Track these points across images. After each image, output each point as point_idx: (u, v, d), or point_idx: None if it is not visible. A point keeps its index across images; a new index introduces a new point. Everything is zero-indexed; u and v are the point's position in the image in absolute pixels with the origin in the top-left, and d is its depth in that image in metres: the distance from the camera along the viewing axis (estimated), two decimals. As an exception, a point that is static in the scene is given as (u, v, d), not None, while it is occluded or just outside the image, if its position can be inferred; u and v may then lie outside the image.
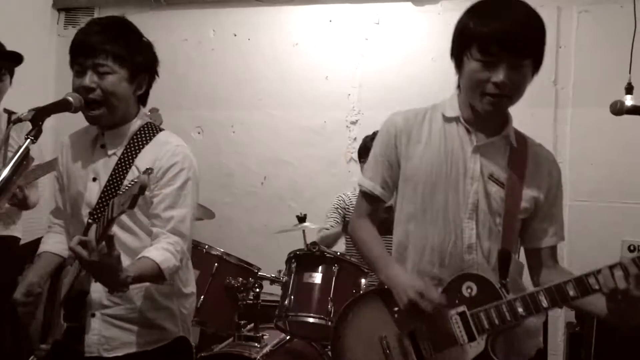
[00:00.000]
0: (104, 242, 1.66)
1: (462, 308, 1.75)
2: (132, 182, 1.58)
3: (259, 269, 3.30)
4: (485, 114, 1.77)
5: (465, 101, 1.83)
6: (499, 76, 1.69)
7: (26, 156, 1.82)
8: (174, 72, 4.62)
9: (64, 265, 2.08)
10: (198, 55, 4.80)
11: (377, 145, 1.94)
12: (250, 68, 4.74)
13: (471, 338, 1.73)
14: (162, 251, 1.88)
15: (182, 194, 1.97)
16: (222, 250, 3.22)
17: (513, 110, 1.86)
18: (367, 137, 3.61)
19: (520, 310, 1.68)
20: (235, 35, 4.79)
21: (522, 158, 1.84)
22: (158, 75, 2.10)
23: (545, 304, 1.66)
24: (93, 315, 1.96)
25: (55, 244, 2.13)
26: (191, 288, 2.15)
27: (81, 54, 1.95)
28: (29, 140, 1.79)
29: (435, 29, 4.27)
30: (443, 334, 1.75)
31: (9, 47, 3.10)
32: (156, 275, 1.85)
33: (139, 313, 1.99)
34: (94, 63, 1.92)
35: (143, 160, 1.97)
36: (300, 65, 4.68)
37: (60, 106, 1.90)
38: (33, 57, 4.66)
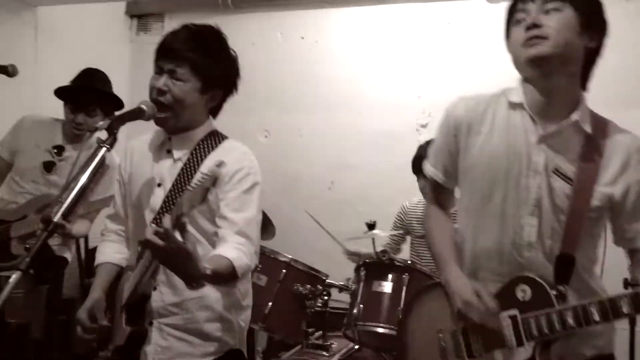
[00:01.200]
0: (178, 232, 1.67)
1: (514, 312, 1.72)
2: (204, 177, 1.59)
3: (326, 276, 3.30)
4: (533, 68, 1.71)
5: (528, 86, 1.77)
6: (530, 19, 1.71)
7: (102, 164, 1.87)
8: (243, 75, 4.66)
9: (122, 274, 2.11)
10: (265, 59, 4.83)
11: (439, 132, 1.94)
12: (318, 71, 4.75)
13: (519, 343, 1.71)
14: (233, 249, 1.87)
15: (248, 198, 1.98)
16: (290, 256, 3.22)
17: (609, 112, 1.76)
18: (421, 146, 3.56)
19: (570, 321, 1.63)
20: (302, 38, 4.81)
21: (597, 148, 1.71)
22: (237, 90, 2.11)
23: (596, 317, 1.60)
24: (151, 323, 1.98)
25: (114, 254, 2.15)
26: (248, 301, 2.15)
27: (163, 56, 2.00)
28: (104, 148, 1.83)
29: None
30: (494, 334, 1.74)
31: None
32: (230, 273, 1.84)
33: (197, 324, 1.99)
34: (171, 68, 1.97)
35: (208, 166, 1.96)
36: (369, 67, 4.65)
37: (134, 114, 1.94)
38: (107, 63, 4.85)
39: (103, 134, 1.85)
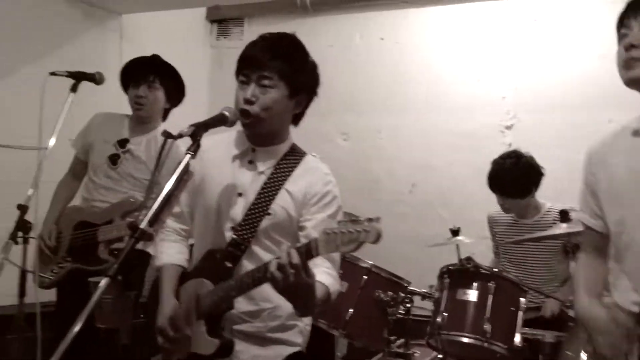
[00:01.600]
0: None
1: None
2: (362, 228, 1.52)
3: (409, 283, 3.24)
4: (633, 89, 1.67)
5: None
6: (629, 38, 1.69)
7: (187, 171, 1.88)
8: (321, 77, 4.66)
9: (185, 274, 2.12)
10: (344, 61, 4.83)
11: (583, 173, 1.93)
12: (397, 72, 4.70)
13: None
14: (326, 275, 1.89)
15: (334, 222, 1.91)
16: (371, 262, 3.20)
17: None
18: (495, 161, 3.51)
19: None
20: (382, 39, 4.77)
21: None
22: (317, 96, 2.10)
23: None
24: (223, 328, 1.99)
25: (177, 254, 2.15)
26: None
27: (248, 66, 2.00)
28: (188, 155, 1.85)
29: (604, 21, 3.96)
30: None
31: (166, 59, 3.26)
32: (325, 300, 1.87)
33: (269, 331, 2.02)
34: (258, 75, 1.97)
35: (295, 184, 2.01)
36: (450, 67, 4.56)
37: (217, 121, 1.95)
38: (188, 68, 4.95)
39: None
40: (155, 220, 1.77)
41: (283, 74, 1.96)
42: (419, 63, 4.65)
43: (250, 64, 1.99)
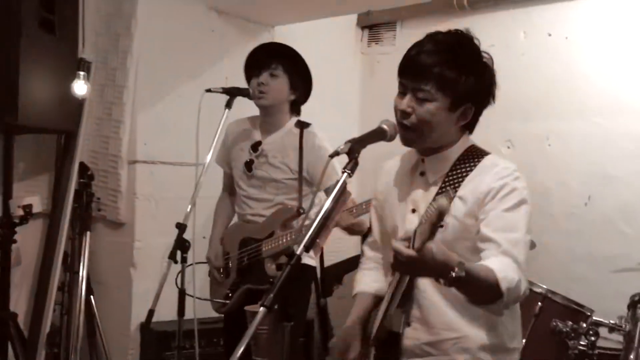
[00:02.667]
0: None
1: None
2: (432, 208, 1.49)
3: (592, 312, 2.94)
4: None
5: None
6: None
7: (344, 191, 1.79)
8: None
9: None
10: (507, 61, 4.43)
11: None
12: (568, 71, 4.33)
13: None
14: (497, 262, 1.71)
15: (513, 217, 1.80)
16: (545, 287, 2.99)
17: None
18: None
19: None
20: (549, 35, 4.44)
21: None
22: (494, 101, 1.96)
23: None
24: None
25: (372, 282, 2.10)
26: (517, 343, 1.96)
27: (406, 74, 1.89)
28: (345, 174, 1.75)
29: None
30: None
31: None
32: (491, 284, 1.66)
33: None
34: (414, 87, 1.85)
35: (466, 189, 1.85)
36: (630, 64, 4.12)
37: (376, 136, 1.86)
38: (339, 76, 4.95)
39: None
40: (312, 245, 1.70)
41: (443, 84, 1.81)
42: (593, 60, 4.25)
43: (407, 72, 1.88)
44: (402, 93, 1.89)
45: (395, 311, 1.88)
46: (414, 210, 1.92)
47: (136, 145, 3.79)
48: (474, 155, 1.91)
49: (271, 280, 1.65)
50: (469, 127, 1.97)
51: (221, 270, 3.18)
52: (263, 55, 3.12)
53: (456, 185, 1.86)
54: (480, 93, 1.90)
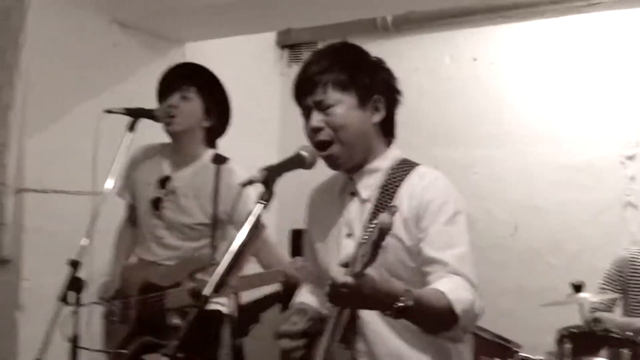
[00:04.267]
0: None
1: None
2: (372, 227, 1.47)
3: (519, 347, 2.99)
4: None
5: None
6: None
7: (257, 225, 1.73)
8: (404, 105, 4.48)
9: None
10: (432, 85, 4.66)
11: None
12: (494, 97, 4.48)
13: None
14: (447, 282, 1.68)
15: (454, 230, 1.80)
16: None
17: None
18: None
19: None
20: (475, 59, 4.58)
21: None
22: (400, 95, 1.96)
23: None
24: None
25: (309, 295, 2.08)
26: None
27: (301, 93, 1.90)
28: (260, 205, 1.70)
29: None
30: None
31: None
32: (444, 309, 1.62)
33: None
34: (314, 100, 1.86)
35: (399, 201, 1.83)
36: (557, 91, 4.30)
37: (294, 163, 1.83)
38: (257, 97, 4.92)
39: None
40: (221, 285, 1.63)
41: (339, 84, 1.84)
42: (518, 87, 4.42)
43: (302, 90, 1.89)
44: (305, 114, 1.89)
45: (337, 347, 1.82)
46: (349, 235, 1.90)
47: (24, 171, 3.59)
48: (405, 166, 1.91)
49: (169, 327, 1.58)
50: (388, 129, 1.96)
51: (117, 309, 2.99)
52: (174, 76, 2.99)
53: (389, 199, 1.84)
54: (382, 83, 1.91)
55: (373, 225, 1.46)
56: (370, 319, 1.82)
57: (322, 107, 1.85)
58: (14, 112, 3.55)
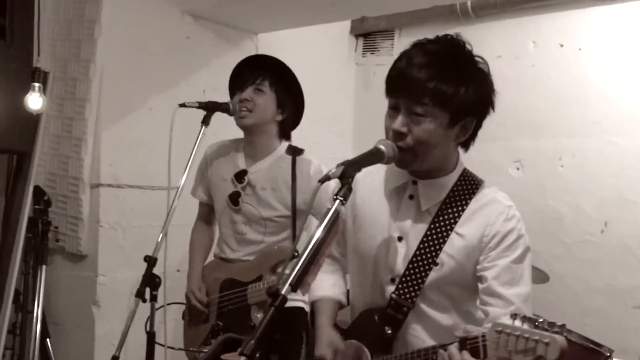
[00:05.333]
0: None
1: None
2: (540, 338, 1.45)
3: (611, 352, 2.88)
4: None
5: None
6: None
7: (335, 221, 1.74)
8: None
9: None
10: (515, 74, 4.56)
11: None
12: (582, 85, 4.35)
13: None
14: None
15: (521, 269, 1.84)
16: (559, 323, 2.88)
17: None
18: None
19: None
20: (561, 45, 4.45)
21: None
22: (494, 110, 1.94)
23: None
24: None
25: (331, 287, 2.11)
26: None
27: (398, 91, 1.86)
28: (337, 201, 1.70)
29: None
30: None
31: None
32: None
33: None
34: (409, 104, 1.83)
35: (468, 225, 1.86)
36: (651, 77, 4.14)
37: (372, 157, 1.83)
38: (330, 88, 4.92)
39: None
40: (299, 283, 1.64)
41: (441, 99, 1.79)
42: (608, 73, 4.27)
43: (399, 88, 1.85)
44: (393, 111, 1.86)
45: None
46: (400, 239, 1.92)
47: (100, 166, 3.71)
48: (470, 183, 1.92)
49: (252, 325, 1.61)
50: (467, 144, 1.96)
51: (202, 311, 3.05)
52: (248, 68, 3.04)
53: (454, 216, 1.86)
54: (480, 103, 1.88)
55: (548, 340, 1.43)
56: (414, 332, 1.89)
57: (412, 113, 1.82)
58: (90, 106, 3.66)
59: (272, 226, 2.98)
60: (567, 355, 2.77)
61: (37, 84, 3.30)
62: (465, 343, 1.59)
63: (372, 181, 2.04)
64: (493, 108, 1.92)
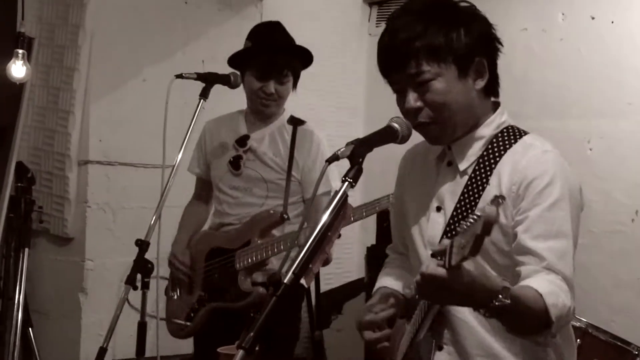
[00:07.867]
0: None
1: None
2: (474, 217, 1.40)
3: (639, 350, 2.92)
4: None
5: None
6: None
7: (344, 203, 1.73)
8: (510, 71, 4.37)
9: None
10: (542, 48, 4.56)
11: None
12: (614, 61, 4.33)
13: None
14: (545, 282, 1.64)
15: (557, 217, 1.73)
16: (585, 320, 2.97)
17: None
18: None
19: None
20: (592, 18, 4.43)
21: None
22: (502, 45, 1.88)
23: None
24: None
25: (392, 282, 2.08)
26: None
27: (388, 66, 1.85)
28: (346, 183, 1.69)
29: None
30: None
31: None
32: (539, 312, 1.59)
33: None
34: (407, 76, 1.80)
35: (498, 178, 1.79)
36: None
37: (385, 136, 1.80)
38: (341, 60, 4.91)
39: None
40: (304, 271, 1.63)
41: (435, 52, 1.77)
42: (644, 49, 4.26)
43: (391, 64, 1.84)
44: (398, 92, 1.85)
45: (424, 336, 1.86)
46: (439, 208, 1.89)
47: (88, 141, 3.73)
48: (511, 134, 1.85)
49: (252, 315, 1.59)
50: (492, 89, 1.90)
51: (187, 276, 3.14)
52: (275, 60, 3.09)
53: (489, 171, 1.81)
54: (480, 41, 1.83)
55: (476, 216, 1.40)
56: (459, 307, 1.81)
57: (418, 83, 1.80)
58: (78, 76, 3.66)
59: (273, 189, 3.10)
60: (593, 353, 2.80)
61: (20, 51, 3.31)
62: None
63: (415, 162, 2.05)
64: (499, 42, 1.88)
